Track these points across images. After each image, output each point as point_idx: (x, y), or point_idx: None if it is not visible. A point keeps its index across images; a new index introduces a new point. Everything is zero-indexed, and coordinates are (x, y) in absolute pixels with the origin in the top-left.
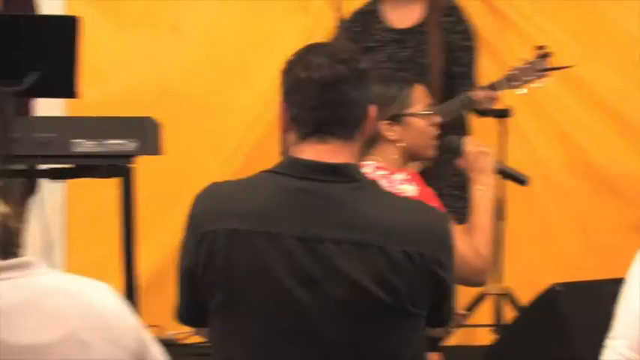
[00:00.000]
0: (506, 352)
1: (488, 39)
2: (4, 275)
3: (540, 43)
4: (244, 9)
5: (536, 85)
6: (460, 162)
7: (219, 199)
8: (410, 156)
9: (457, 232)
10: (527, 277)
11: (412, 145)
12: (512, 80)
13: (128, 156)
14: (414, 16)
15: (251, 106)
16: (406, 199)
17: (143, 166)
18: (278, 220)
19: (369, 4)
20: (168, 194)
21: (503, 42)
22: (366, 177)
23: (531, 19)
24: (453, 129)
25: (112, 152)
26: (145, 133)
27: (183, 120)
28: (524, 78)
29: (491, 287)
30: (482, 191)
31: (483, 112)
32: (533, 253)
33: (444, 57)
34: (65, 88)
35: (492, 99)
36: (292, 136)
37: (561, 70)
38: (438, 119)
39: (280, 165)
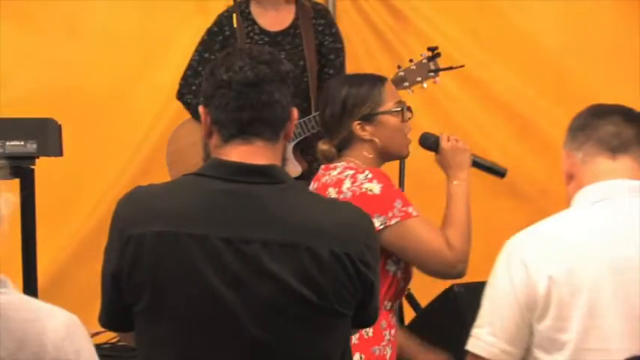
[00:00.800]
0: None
1: (389, 40)
2: None
3: (440, 44)
4: (143, 10)
5: (425, 85)
6: (437, 158)
7: (145, 202)
8: (385, 154)
9: (424, 225)
10: (427, 277)
11: (386, 144)
12: (402, 81)
13: (28, 157)
14: (285, 18)
15: (151, 106)
16: (332, 200)
17: (43, 168)
18: (204, 222)
19: (236, 7)
20: (68, 195)
21: (403, 43)
22: (291, 178)
23: (431, 20)
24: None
25: (12, 153)
26: (45, 135)
27: (83, 121)
28: (414, 79)
29: None
30: (458, 186)
31: None
32: None
33: (317, 59)
34: None
35: None
36: (215, 140)
37: (460, 72)
38: (410, 116)
39: (205, 167)
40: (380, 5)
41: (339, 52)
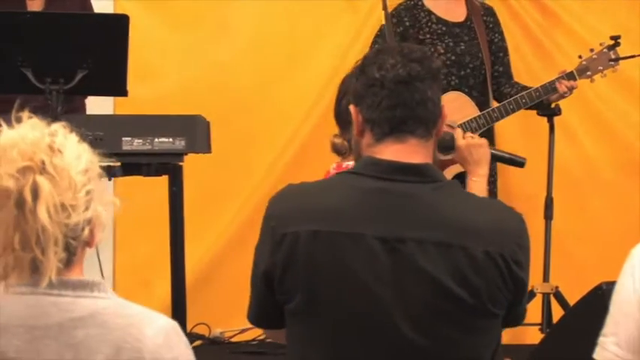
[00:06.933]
0: (554, 351)
1: (539, 38)
2: (55, 291)
3: (590, 42)
4: (293, 7)
5: (604, 74)
6: (455, 156)
7: (298, 201)
8: None
9: None
10: (576, 275)
11: None
12: (585, 71)
13: (177, 154)
14: (459, 11)
15: (299, 104)
16: (484, 199)
17: (192, 164)
18: (360, 220)
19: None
20: (216, 192)
21: (553, 41)
22: (444, 177)
23: (581, 18)
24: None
25: (161, 150)
26: (194, 132)
27: (232, 118)
28: (596, 68)
29: (539, 286)
30: (477, 182)
31: (547, 105)
32: (581, 251)
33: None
34: (115, 86)
35: (572, 89)
36: (367, 138)
37: (609, 70)
38: None
39: (358, 166)
40: (530, 4)
41: (507, 50)
